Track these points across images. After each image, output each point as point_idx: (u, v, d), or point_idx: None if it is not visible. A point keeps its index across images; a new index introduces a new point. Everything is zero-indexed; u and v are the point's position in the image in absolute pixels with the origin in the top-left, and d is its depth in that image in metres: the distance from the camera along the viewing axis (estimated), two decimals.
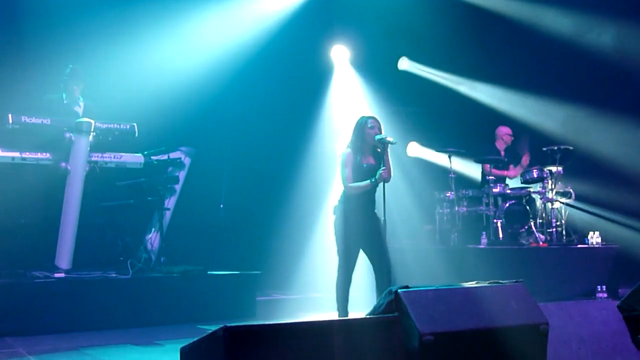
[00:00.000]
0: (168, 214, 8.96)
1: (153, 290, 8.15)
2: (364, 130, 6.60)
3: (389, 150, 6.55)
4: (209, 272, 8.75)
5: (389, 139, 6.49)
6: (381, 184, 6.50)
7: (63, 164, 8.06)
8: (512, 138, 11.37)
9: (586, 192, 11.04)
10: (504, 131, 11.38)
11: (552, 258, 9.89)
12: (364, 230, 6.51)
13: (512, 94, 12.69)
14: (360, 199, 6.54)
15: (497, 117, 12.06)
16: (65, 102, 8.83)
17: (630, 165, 11.26)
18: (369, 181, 6.48)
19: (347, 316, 6.37)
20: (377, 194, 6.56)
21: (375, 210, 6.63)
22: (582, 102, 12.09)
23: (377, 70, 12.53)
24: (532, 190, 10.72)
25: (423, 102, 13.13)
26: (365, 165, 6.58)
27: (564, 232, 10.44)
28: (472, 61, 12.74)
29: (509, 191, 10.69)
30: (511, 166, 11.31)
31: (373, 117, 6.68)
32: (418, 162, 12.62)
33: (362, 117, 6.69)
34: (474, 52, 12.68)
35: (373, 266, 6.59)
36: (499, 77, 12.71)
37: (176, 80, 10.41)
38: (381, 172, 6.42)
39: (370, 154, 6.66)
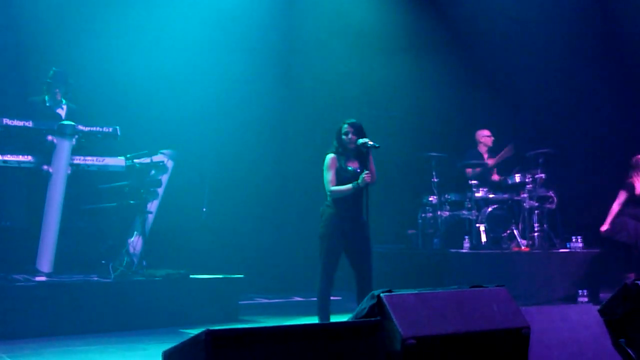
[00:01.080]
0: (150, 218, 8.92)
1: (135, 294, 8.11)
2: (340, 137, 6.63)
3: (371, 154, 6.55)
4: (191, 276, 8.72)
5: (372, 143, 6.47)
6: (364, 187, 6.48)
7: (45, 167, 8.02)
8: (492, 138, 11.41)
9: (568, 196, 11.11)
10: (482, 134, 11.44)
11: (534, 262, 9.95)
12: (348, 233, 6.49)
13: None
14: (346, 202, 6.52)
15: (478, 120, 12.11)
16: (47, 104, 8.79)
17: (612, 169, 11.36)
18: (351, 185, 6.48)
19: (329, 320, 6.35)
20: (364, 198, 6.51)
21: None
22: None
23: (359, 73, 12.57)
24: (514, 195, 10.77)
25: (405, 107, 13.17)
26: (349, 168, 6.58)
27: (546, 237, 10.49)
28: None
29: (491, 196, 10.72)
30: (494, 170, 11.35)
31: (348, 123, 6.65)
32: (401, 165, 12.65)
33: (341, 123, 6.71)
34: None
35: (354, 270, 6.58)
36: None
37: (158, 83, 10.41)
38: (364, 176, 6.41)
39: (354, 158, 6.65)
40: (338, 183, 6.54)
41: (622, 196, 10.04)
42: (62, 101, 8.87)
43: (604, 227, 10.06)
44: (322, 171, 6.65)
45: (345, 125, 6.63)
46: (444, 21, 12.83)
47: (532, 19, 12.40)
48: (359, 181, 6.43)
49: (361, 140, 6.50)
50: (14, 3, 9.70)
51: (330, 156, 6.63)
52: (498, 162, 11.14)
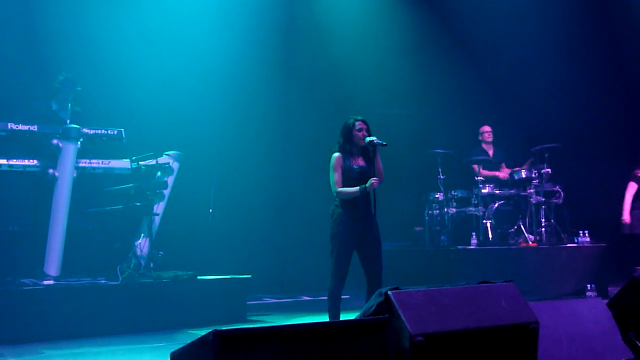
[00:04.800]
0: (157, 219, 8.93)
1: (143, 295, 8.12)
2: (352, 133, 6.54)
3: (378, 152, 6.51)
4: (198, 277, 8.73)
5: (379, 140, 6.41)
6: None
7: (51, 171, 8.03)
8: (492, 133, 11.40)
9: (575, 191, 11.10)
10: (482, 130, 11.45)
11: (541, 258, 9.93)
12: (359, 232, 6.46)
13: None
14: (355, 201, 6.47)
15: (483, 116, 12.09)
16: (53, 109, 8.79)
17: (619, 163, 11.33)
18: (358, 188, 6.42)
19: (339, 319, 6.34)
20: (372, 195, 6.47)
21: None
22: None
23: (363, 72, 12.55)
24: (521, 190, 10.75)
25: (410, 104, 13.17)
26: (355, 167, 6.51)
27: (553, 232, 10.47)
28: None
29: (498, 192, 10.72)
30: (503, 165, 11.33)
31: (361, 119, 6.58)
32: (406, 163, 12.65)
33: (350, 119, 6.60)
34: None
35: (364, 269, 6.54)
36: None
37: (163, 85, 10.40)
38: (372, 181, 6.35)
39: (360, 156, 6.58)
40: (345, 182, 6.48)
41: (632, 188, 9.89)
42: (67, 105, 8.87)
43: (626, 218, 9.84)
44: (327, 171, 6.60)
45: (357, 122, 6.55)
46: (448, 18, 12.82)
47: (535, 15, 12.37)
48: (367, 185, 6.37)
49: (368, 138, 6.45)
50: (19, 7, 9.70)
51: (335, 155, 6.55)
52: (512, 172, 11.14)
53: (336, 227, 6.49)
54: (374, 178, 6.35)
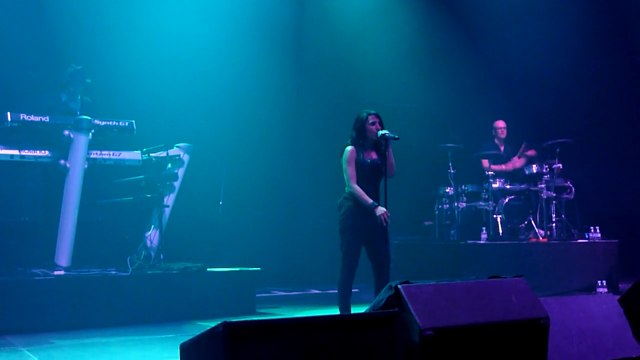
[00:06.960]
0: (167, 211, 8.94)
1: (153, 287, 8.15)
2: (365, 127, 6.52)
3: (390, 145, 6.49)
4: (208, 269, 8.75)
5: (391, 134, 6.40)
6: (383, 178, 6.47)
7: (62, 162, 8.05)
8: (505, 130, 11.35)
9: (586, 186, 11.05)
10: (496, 125, 11.39)
11: (552, 253, 9.90)
12: (367, 226, 6.45)
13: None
14: (365, 194, 6.47)
15: (494, 111, 12.04)
16: (62, 100, 8.80)
17: (630, 159, 11.29)
18: (371, 202, 6.38)
19: (350, 312, 6.34)
20: (382, 189, 6.48)
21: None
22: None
23: (374, 65, 12.53)
24: (531, 185, 10.71)
25: (421, 98, 13.13)
26: (368, 161, 6.49)
27: (563, 227, 10.43)
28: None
29: (508, 186, 10.68)
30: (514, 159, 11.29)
31: (374, 113, 6.56)
32: (417, 157, 12.63)
33: (363, 113, 6.58)
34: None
35: (372, 263, 6.55)
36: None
37: (174, 77, 10.41)
38: (384, 214, 6.35)
39: (372, 149, 6.57)
40: (358, 175, 6.46)
41: None
42: (78, 96, 8.89)
43: None
44: (339, 163, 6.58)
45: (371, 115, 6.53)
46: (459, 12, 12.78)
47: (547, 9, 12.31)
48: (377, 209, 6.36)
49: (381, 132, 6.43)
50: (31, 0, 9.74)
51: (349, 149, 6.52)
52: (522, 160, 11.10)
53: (345, 220, 6.49)
54: (386, 212, 6.33)
